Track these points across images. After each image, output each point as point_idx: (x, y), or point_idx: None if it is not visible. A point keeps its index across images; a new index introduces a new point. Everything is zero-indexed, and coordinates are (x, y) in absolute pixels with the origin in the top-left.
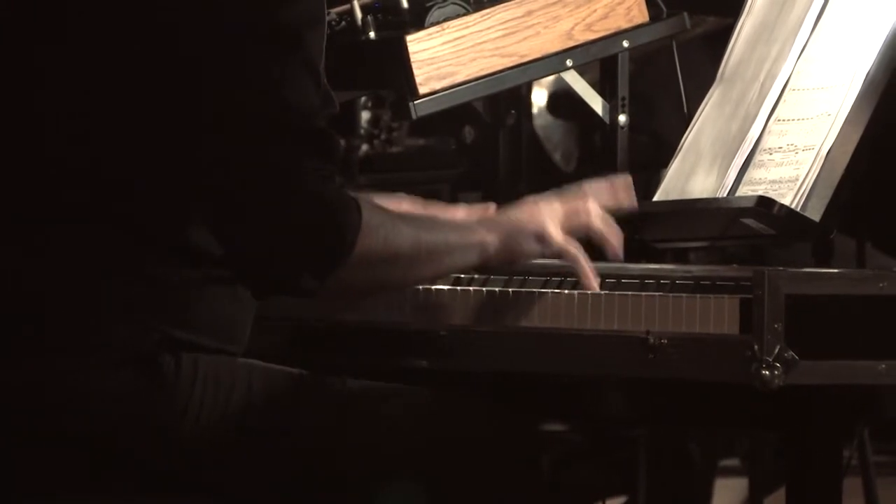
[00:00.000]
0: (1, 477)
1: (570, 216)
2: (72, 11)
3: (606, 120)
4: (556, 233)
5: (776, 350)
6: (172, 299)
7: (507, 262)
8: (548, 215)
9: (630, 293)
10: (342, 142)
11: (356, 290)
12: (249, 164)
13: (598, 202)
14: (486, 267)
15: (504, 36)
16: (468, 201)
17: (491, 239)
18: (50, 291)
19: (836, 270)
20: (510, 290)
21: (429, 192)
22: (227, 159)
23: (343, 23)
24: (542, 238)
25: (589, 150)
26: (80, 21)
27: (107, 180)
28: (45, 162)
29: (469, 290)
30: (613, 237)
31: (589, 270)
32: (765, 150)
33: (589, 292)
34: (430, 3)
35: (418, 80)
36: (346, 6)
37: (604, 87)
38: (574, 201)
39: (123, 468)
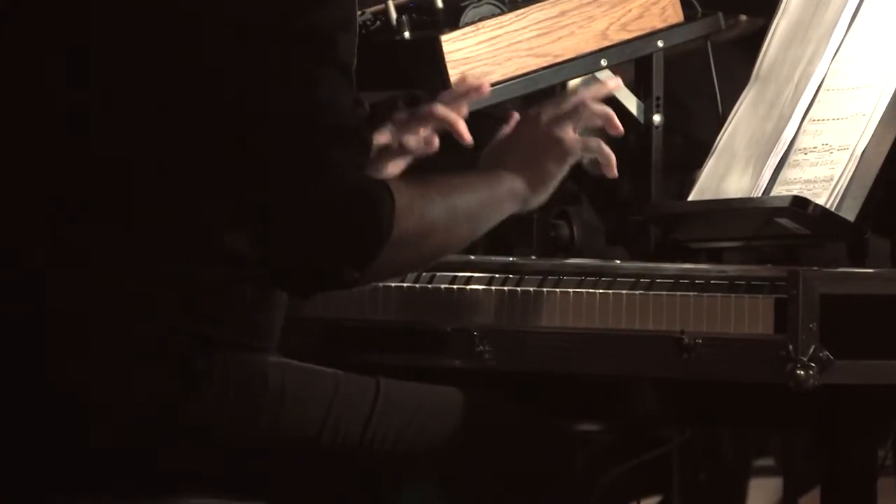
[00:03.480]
0: (29, 478)
1: (573, 116)
2: (94, 14)
3: (641, 120)
4: (572, 139)
5: (811, 350)
6: (202, 299)
7: (541, 191)
8: (555, 126)
9: (664, 293)
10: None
11: (399, 269)
12: (287, 165)
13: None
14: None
15: (539, 36)
16: None
17: (518, 183)
18: (79, 292)
19: (870, 270)
20: (544, 289)
21: None
22: (264, 161)
23: (378, 22)
24: (561, 152)
25: (623, 150)
26: (112, 22)
27: (136, 182)
28: (73, 163)
29: (503, 289)
30: (613, 116)
31: (612, 157)
32: (799, 149)
33: (623, 292)
34: (465, 3)
35: (453, 79)
36: (381, 6)
37: (638, 86)
38: (569, 103)
39: (153, 469)
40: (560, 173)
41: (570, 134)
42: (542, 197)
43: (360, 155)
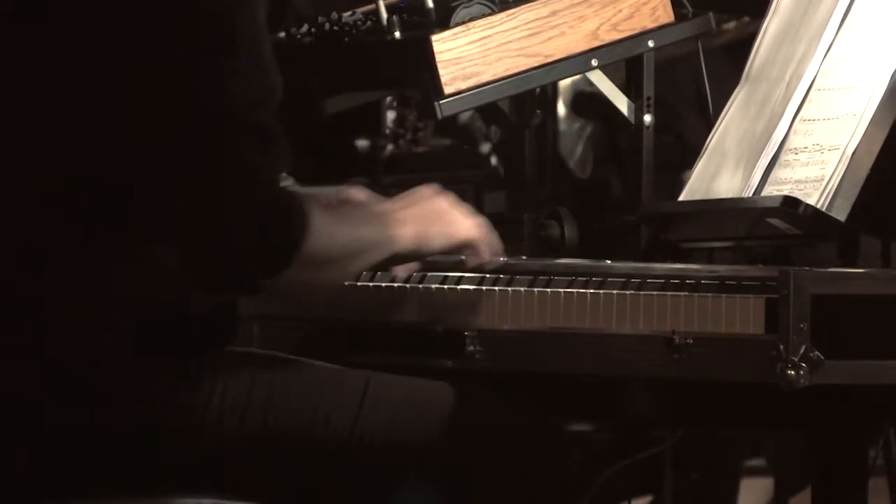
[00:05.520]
0: (19, 474)
1: (464, 217)
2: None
3: (632, 120)
4: (464, 224)
5: (802, 350)
6: (173, 294)
7: (415, 257)
8: (451, 206)
9: (655, 293)
10: (280, 142)
11: (296, 288)
12: (194, 164)
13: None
14: (394, 261)
15: (529, 36)
16: (493, 201)
17: (403, 233)
18: (60, 291)
19: (861, 270)
20: (535, 290)
21: (454, 193)
22: (172, 160)
23: (368, 23)
24: (450, 234)
25: (614, 150)
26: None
27: (95, 183)
28: (19, 168)
29: (494, 290)
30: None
31: (486, 253)
32: (790, 149)
33: (614, 292)
34: (456, 3)
35: (443, 79)
36: (372, 6)
37: (629, 87)
38: (472, 239)
39: (143, 467)
40: (438, 251)
41: (467, 223)
42: (412, 257)
43: (270, 149)
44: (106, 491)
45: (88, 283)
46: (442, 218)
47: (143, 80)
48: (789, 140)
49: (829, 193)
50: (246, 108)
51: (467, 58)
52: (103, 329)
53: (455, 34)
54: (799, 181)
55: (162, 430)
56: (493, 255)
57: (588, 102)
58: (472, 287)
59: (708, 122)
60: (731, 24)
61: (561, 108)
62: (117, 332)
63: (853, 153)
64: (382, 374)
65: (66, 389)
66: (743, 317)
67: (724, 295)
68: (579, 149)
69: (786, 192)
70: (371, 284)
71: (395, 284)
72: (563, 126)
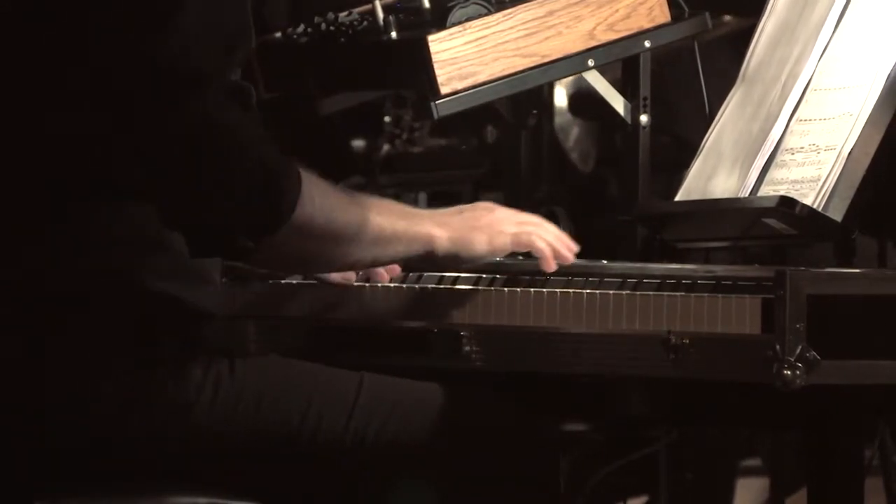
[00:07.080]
0: (16, 473)
1: (523, 222)
2: None
3: (628, 120)
4: (510, 229)
5: (798, 350)
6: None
7: (454, 260)
8: (502, 215)
9: (651, 293)
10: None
11: (292, 259)
12: (166, 126)
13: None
14: (433, 262)
15: (526, 36)
16: (489, 201)
17: (439, 233)
18: (43, 273)
19: (857, 270)
20: (531, 290)
21: (450, 192)
22: (149, 125)
23: (365, 23)
24: (495, 241)
25: (611, 150)
26: None
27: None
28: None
29: (490, 290)
30: (565, 251)
31: (549, 254)
32: (786, 150)
33: (611, 292)
34: (452, 3)
35: (440, 80)
36: (368, 6)
37: (625, 87)
38: (530, 237)
39: (133, 465)
40: (480, 255)
41: (514, 229)
42: (450, 260)
43: (245, 106)
44: (99, 490)
45: (70, 264)
46: (489, 226)
47: (98, 48)
48: (785, 140)
49: (825, 193)
50: (207, 63)
51: (464, 58)
52: (86, 317)
53: (451, 34)
54: (795, 181)
55: (151, 426)
56: (560, 259)
57: (586, 102)
58: (468, 287)
59: (705, 121)
60: (728, 17)
61: (566, 101)
62: (100, 321)
63: (849, 153)
64: (376, 375)
65: (55, 385)
66: (739, 317)
67: (720, 295)
68: (583, 142)
69: (782, 193)
70: (367, 285)
71: (392, 285)
72: (567, 119)
